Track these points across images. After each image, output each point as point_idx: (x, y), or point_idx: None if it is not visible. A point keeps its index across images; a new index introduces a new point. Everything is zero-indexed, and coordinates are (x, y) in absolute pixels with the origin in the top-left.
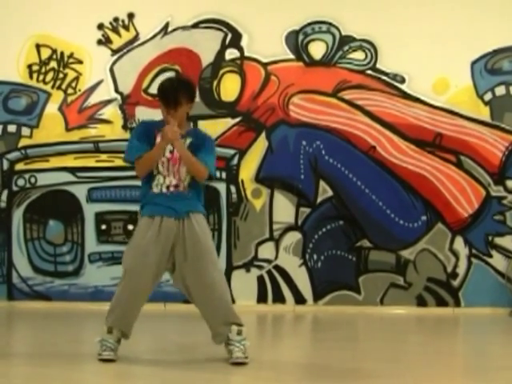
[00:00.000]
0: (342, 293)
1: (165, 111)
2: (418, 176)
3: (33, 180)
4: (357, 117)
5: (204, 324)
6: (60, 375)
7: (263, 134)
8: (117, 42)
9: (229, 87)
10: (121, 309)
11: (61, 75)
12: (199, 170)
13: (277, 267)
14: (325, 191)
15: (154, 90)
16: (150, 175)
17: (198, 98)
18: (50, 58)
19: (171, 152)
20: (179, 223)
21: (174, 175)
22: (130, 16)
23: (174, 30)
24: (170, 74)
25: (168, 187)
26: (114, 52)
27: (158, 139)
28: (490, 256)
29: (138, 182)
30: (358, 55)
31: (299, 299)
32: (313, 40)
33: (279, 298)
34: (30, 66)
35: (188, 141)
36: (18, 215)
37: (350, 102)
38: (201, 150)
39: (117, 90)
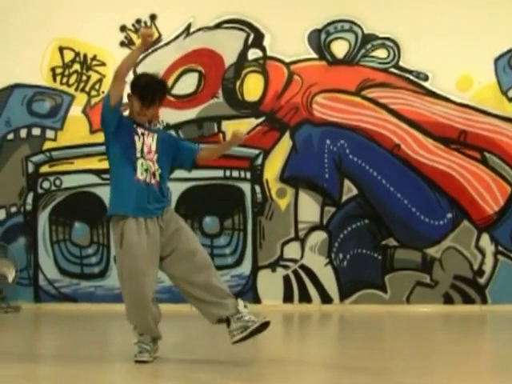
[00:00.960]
0: (368, 291)
1: (137, 106)
2: (443, 174)
3: (58, 182)
4: (381, 115)
5: None
6: (87, 376)
7: (287, 134)
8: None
9: (252, 87)
10: (134, 313)
11: (84, 77)
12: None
13: (302, 267)
14: (349, 190)
15: (177, 90)
16: (128, 159)
17: (221, 99)
18: (73, 61)
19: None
20: (157, 220)
21: (150, 162)
22: (153, 17)
23: (197, 30)
24: (193, 75)
25: (149, 175)
26: None
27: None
28: None
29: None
30: (381, 53)
31: (325, 298)
32: (335, 39)
33: (305, 298)
34: (53, 69)
35: (156, 135)
36: (43, 217)
37: (373, 101)
38: (177, 142)
39: None
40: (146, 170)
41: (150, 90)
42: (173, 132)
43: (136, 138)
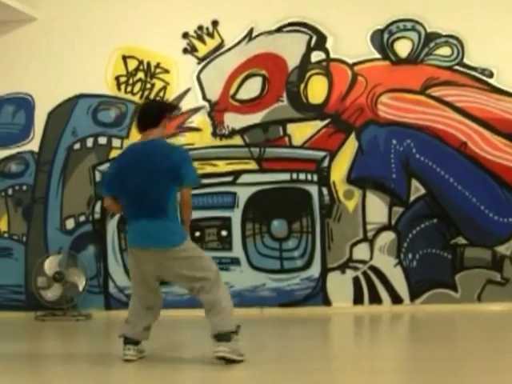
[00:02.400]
0: (439, 291)
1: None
2: (510, 170)
3: None
4: (446, 113)
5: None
6: (160, 381)
7: (353, 135)
8: (202, 49)
9: (316, 89)
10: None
11: (148, 85)
12: None
13: (372, 268)
14: (417, 190)
15: (241, 95)
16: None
17: (285, 102)
18: (136, 69)
19: None
20: None
21: None
22: (214, 23)
23: (259, 35)
24: (256, 79)
25: None
26: (200, 60)
27: None
28: None
29: (231, 188)
30: (445, 51)
31: (396, 299)
32: (398, 38)
33: (375, 299)
34: (117, 78)
35: None
36: (112, 226)
37: (438, 99)
38: None
39: (205, 98)
40: None
41: None
42: (238, 136)
43: None
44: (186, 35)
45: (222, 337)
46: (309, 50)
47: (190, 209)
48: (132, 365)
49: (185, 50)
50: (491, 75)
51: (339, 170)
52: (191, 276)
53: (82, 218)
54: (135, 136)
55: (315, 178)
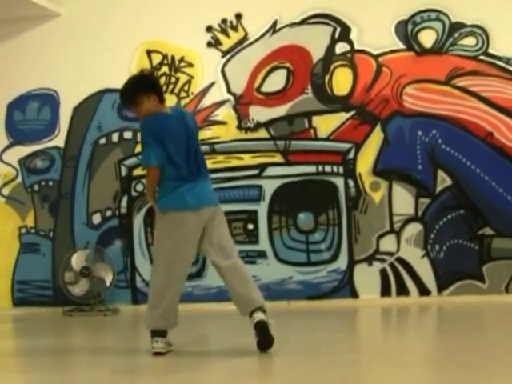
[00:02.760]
0: (466, 282)
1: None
2: None
3: None
4: (472, 103)
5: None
6: (189, 375)
7: (378, 126)
8: (226, 43)
9: (341, 81)
10: None
11: (173, 79)
12: None
13: (399, 259)
14: (443, 180)
15: (266, 88)
16: None
17: (310, 94)
18: (161, 63)
19: None
20: None
21: None
22: (238, 16)
23: (283, 27)
24: (281, 72)
25: None
26: (224, 53)
27: None
28: None
29: (257, 181)
30: (470, 41)
31: (423, 291)
32: (422, 29)
33: (403, 291)
34: None
35: None
36: (138, 220)
37: (464, 89)
38: None
39: (229, 91)
40: None
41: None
42: (264, 129)
43: None
44: (209, 29)
45: (262, 308)
46: (333, 41)
47: None
48: (160, 359)
49: (209, 44)
50: None
51: (365, 161)
52: (226, 239)
53: (109, 213)
54: None
55: (341, 170)
